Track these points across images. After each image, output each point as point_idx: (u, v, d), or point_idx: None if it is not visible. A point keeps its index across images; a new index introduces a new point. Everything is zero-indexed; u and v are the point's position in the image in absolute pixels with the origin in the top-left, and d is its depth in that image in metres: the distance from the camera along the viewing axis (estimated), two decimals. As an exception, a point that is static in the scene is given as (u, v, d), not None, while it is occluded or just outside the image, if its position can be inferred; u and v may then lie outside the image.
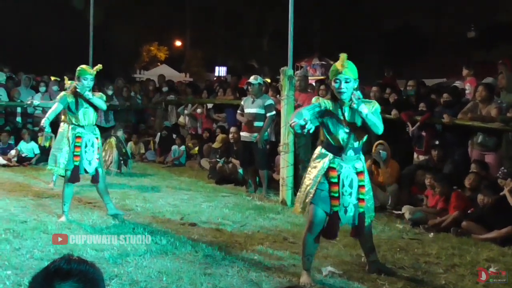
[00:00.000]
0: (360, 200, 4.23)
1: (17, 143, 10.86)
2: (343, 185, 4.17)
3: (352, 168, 4.20)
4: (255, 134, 7.86)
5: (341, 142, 4.18)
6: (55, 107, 6.02)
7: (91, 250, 4.81)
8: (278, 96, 8.64)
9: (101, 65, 6.14)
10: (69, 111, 6.00)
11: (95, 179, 6.15)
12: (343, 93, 4.08)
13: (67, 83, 6.59)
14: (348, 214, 4.21)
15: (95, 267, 1.70)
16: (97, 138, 6.13)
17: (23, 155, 10.55)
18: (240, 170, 8.75)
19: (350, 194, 4.19)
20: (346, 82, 4.07)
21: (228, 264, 4.63)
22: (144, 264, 4.55)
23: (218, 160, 9.34)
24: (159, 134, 12.21)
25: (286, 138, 7.36)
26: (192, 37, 35.89)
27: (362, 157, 4.33)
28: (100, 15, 11.80)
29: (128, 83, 14.12)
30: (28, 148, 10.66)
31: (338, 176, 4.17)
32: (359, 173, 4.22)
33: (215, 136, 10.38)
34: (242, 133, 8.14)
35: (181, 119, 12.19)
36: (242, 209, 6.95)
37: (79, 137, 5.96)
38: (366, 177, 4.31)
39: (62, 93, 6.16)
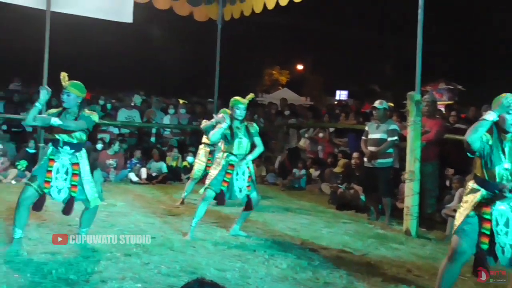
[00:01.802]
0: None
1: (147, 161, 11.49)
2: (497, 223, 3.85)
3: (509, 207, 3.87)
4: (379, 161, 7.65)
5: (497, 179, 3.91)
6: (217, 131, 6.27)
7: (214, 270, 4.90)
8: (403, 122, 8.38)
9: (253, 94, 6.39)
10: (225, 140, 6.27)
11: (248, 205, 6.42)
12: None
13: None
14: (506, 255, 3.85)
15: (225, 290, 1.70)
16: (248, 167, 6.32)
17: (153, 174, 11.13)
18: (362, 197, 8.55)
19: (506, 233, 3.84)
20: None
21: (350, 294, 4.49)
22: (265, 287, 4.54)
23: (339, 185, 9.20)
24: (280, 157, 12.32)
25: (412, 166, 7.07)
26: (314, 61, 36.10)
27: None
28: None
29: (249, 106, 14.44)
30: (157, 167, 11.23)
31: (491, 213, 3.87)
32: None
33: (336, 161, 10.27)
34: (365, 159, 7.95)
35: (301, 142, 12.23)
36: (364, 237, 6.77)
37: (232, 165, 6.20)
38: None
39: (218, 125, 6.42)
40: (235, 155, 6.25)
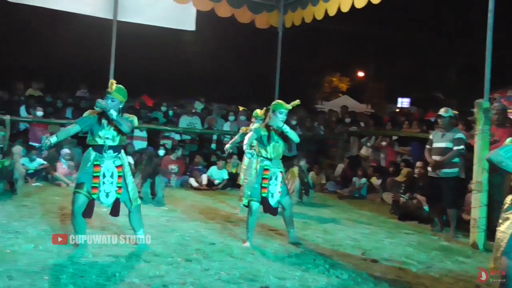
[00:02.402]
0: None
1: (207, 167, 11.59)
2: None
3: None
4: (444, 170, 7.40)
5: None
6: (249, 135, 6.26)
7: (274, 278, 4.86)
8: (469, 131, 8.10)
9: (299, 101, 6.25)
10: (260, 143, 6.21)
11: (273, 210, 6.25)
12: None
13: (260, 113, 6.83)
14: None
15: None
16: (281, 171, 6.23)
17: (215, 181, 11.23)
18: (426, 207, 8.29)
19: None
20: None
21: (414, 308, 4.34)
22: (326, 297, 4.47)
23: (402, 195, 8.97)
24: (340, 165, 12.16)
25: (479, 176, 6.79)
26: (375, 68, 35.58)
27: None
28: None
29: (309, 113, 14.38)
30: (218, 173, 11.32)
31: None
32: None
33: (398, 170, 10.04)
34: (429, 168, 7.71)
35: (363, 150, 12.04)
36: (427, 249, 6.56)
37: (267, 169, 6.13)
38: None
39: (257, 125, 6.40)
40: (270, 159, 6.18)
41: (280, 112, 6.11)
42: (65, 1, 10.81)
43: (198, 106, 14.58)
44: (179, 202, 9.19)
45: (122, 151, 5.50)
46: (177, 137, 12.90)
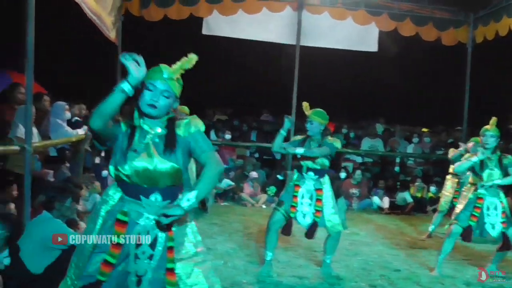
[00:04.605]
0: None
1: (390, 191, 11.23)
2: None
3: None
4: None
5: None
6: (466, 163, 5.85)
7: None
8: None
9: (496, 118, 5.76)
10: (473, 172, 5.81)
11: (504, 245, 5.69)
12: None
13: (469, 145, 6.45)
14: None
15: None
16: (501, 202, 5.70)
17: (396, 203, 10.85)
18: None
19: None
20: None
21: None
22: None
23: None
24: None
25: None
26: None
27: None
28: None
29: (503, 134, 13.22)
30: (401, 197, 10.91)
31: None
32: None
33: None
34: None
35: None
36: None
37: (480, 198, 5.68)
38: None
39: (467, 155, 5.98)
40: (485, 188, 5.68)
41: (483, 135, 5.71)
42: (251, 30, 11.38)
43: (379, 128, 14.29)
44: (362, 225, 9.00)
45: (326, 176, 5.50)
46: (358, 159, 12.75)
